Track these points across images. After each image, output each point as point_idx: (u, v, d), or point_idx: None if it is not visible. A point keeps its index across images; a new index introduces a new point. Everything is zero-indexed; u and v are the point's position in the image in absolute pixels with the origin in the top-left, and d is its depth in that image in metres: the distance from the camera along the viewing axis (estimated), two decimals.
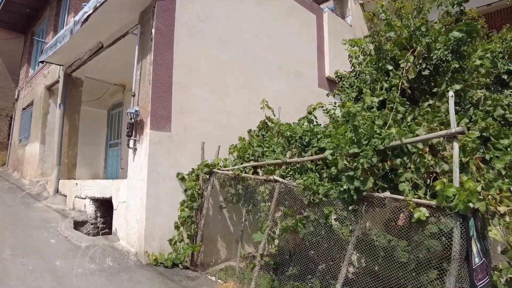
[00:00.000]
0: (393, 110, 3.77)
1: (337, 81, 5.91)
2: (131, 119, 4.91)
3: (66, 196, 7.14)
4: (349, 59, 5.55)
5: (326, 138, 4.21)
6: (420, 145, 3.14)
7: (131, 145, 4.94)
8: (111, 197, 5.48)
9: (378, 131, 3.28)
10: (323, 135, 4.52)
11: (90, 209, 6.18)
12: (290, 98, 7.11)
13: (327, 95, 6.93)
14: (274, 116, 5.84)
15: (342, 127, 3.49)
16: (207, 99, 5.55)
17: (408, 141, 3.07)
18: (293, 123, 5.64)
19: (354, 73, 5.48)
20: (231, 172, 4.75)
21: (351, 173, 3.23)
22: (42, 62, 7.89)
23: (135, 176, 4.85)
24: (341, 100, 5.62)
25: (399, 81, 4.07)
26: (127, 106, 9.68)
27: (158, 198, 4.66)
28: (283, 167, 4.26)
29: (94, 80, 8.93)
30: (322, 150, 4.21)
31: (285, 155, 4.46)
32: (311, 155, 4.58)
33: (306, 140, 4.83)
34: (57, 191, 7.45)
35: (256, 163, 4.63)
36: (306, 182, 3.66)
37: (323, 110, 5.64)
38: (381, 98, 4.12)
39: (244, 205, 4.79)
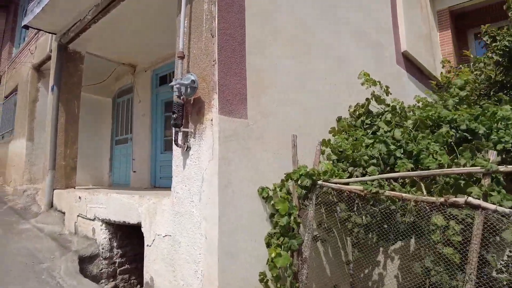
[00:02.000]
0: None
1: (486, 42, 3.94)
2: (179, 96, 2.87)
3: (64, 213, 5.07)
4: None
5: None
6: None
7: (179, 141, 2.90)
8: (139, 224, 3.44)
9: None
10: None
11: (102, 236, 4.14)
12: (373, 76, 5.13)
13: (437, 86, 5.14)
14: (386, 95, 3.87)
15: None
16: (288, 68, 3.53)
17: None
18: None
19: None
20: (357, 188, 2.76)
21: None
22: (26, 27, 5.73)
23: (188, 194, 2.82)
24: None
25: None
26: (139, 92, 7.57)
27: (235, 232, 2.65)
28: (486, 180, 2.26)
29: (97, 58, 6.83)
30: None
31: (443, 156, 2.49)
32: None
33: (481, 132, 2.87)
34: (51, 205, 5.37)
35: (417, 173, 2.63)
36: None
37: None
38: None
39: (382, 243, 2.81)
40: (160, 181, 6.62)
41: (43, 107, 7.30)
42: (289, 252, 2.75)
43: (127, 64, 7.47)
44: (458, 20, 9.47)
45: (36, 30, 7.55)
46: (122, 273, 4.20)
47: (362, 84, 3.99)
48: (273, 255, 2.63)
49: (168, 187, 6.45)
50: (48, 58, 6.78)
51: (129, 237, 4.33)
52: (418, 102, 4.15)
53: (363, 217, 2.81)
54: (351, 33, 4.90)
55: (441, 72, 8.62)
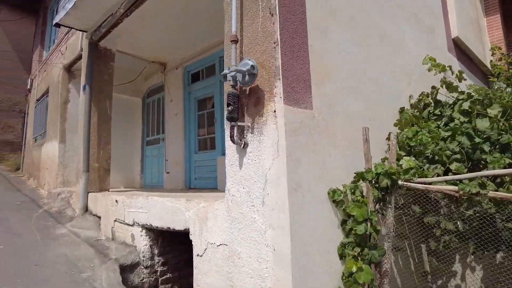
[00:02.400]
0: None
1: None
2: (234, 86, 2.51)
3: (100, 217, 4.84)
4: None
5: None
6: None
7: (235, 137, 2.52)
8: (186, 230, 3.10)
9: None
10: None
11: (142, 243, 3.84)
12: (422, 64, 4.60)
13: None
14: (459, 81, 3.37)
15: None
16: (348, 52, 3.10)
17: None
18: None
19: None
20: (449, 188, 2.30)
21: None
22: (58, 26, 5.56)
23: (247, 197, 2.44)
24: None
25: None
26: (170, 90, 7.31)
27: (308, 243, 2.25)
28: None
29: (126, 56, 6.63)
30: None
31: None
32: None
33: None
34: (86, 209, 5.16)
35: None
36: None
37: None
38: None
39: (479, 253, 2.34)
40: (195, 182, 6.32)
41: (74, 108, 7.17)
42: (374, 266, 2.32)
43: (157, 62, 7.23)
44: (507, 4, 8.70)
45: (66, 31, 7.45)
46: (164, 283, 3.89)
47: (429, 70, 3.51)
48: (353, 269, 2.21)
49: (204, 188, 6.19)
50: (79, 57, 6.62)
51: (170, 243, 4.02)
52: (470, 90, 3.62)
53: (458, 223, 2.34)
54: (406, 18, 4.40)
55: (491, 60, 7.93)
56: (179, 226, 3.20)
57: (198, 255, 2.90)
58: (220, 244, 2.67)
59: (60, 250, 4.02)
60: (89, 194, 5.19)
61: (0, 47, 11.87)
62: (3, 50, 11.90)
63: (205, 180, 6.11)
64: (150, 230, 3.86)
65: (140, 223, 3.85)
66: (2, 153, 11.47)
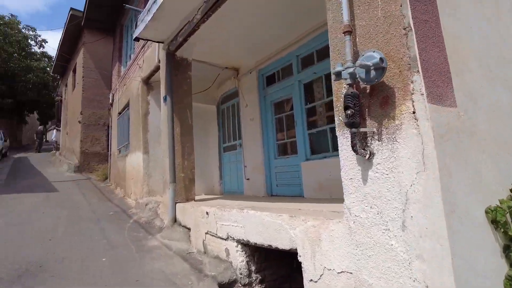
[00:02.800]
0: None
1: None
2: (351, 85, 2.10)
3: (189, 229, 4.78)
4: None
5: None
6: None
7: (358, 147, 2.11)
8: (293, 250, 2.78)
9: None
10: None
11: (238, 259, 3.62)
12: None
13: None
14: None
15: None
16: (483, 32, 2.50)
17: None
18: None
19: None
20: None
21: None
22: (137, 40, 5.70)
23: (378, 219, 2.02)
24: None
25: None
26: (245, 95, 7.14)
27: (469, 279, 1.76)
28: None
29: (200, 65, 6.60)
30: None
31: None
32: None
33: None
34: (174, 220, 5.16)
35: None
36: None
37: None
38: None
39: None
40: (277, 189, 6.03)
41: (154, 120, 7.39)
42: None
43: (230, 67, 7.12)
44: None
45: (142, 45, 7.72)
46: None
47: None
48: None
49: (287, 196, 5.87)
50: (156, 69, 6.78)
51: (266, 258, 3.75)
52: None
53: None
54: None
55: None
56: (283, 245, 2.89)
57: (311, 280, 2.55)
58: (342, 272, 2.27)
59: (156, 265, 3.99)
60: (177, 204, 5.19)
61: (86, 67, 12.97)
62: (88, 70, 13.00)
63: (288, 187, 5.79)
64: (246, 245, 3.62)
65: (235, 238, 3.64)
66: (91, 164, 12.52)
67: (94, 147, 12.82)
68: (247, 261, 3.62)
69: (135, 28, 5.56)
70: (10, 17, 28.38)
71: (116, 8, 10.82)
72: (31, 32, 29.78)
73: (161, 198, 6.08)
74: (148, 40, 5.85)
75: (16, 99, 26.42)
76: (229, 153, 7.56)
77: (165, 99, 5.70)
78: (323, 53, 5.22)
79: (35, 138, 24.26)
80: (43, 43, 30.53)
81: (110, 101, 11.27)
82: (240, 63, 6.89)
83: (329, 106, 5.16)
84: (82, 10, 11.65)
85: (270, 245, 3.07)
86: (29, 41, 29.30)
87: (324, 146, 5.19)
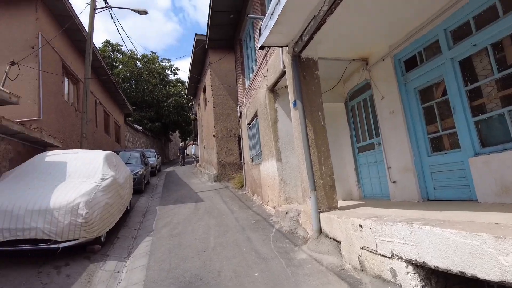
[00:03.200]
0: None
1: None
2: None
3: (338, 242, 4.36)
4: None
5: None
6: None
7: None
8: (506, 284, 2.03)
9: None
10: None
11: (409, 282, 2.99)
12: None
13: None
14: None
15: None
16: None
17: None
18: None
19: None
20: None
21: None
22: (262, 48, 5.64)
23: None
24: None
25: None
26: (379, 86, 6.29)
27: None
28: None
29: (325, 62, 6.14)
30: None
31: None
32: None
33: None
34: (320, 231, 4.82)
35: None
36: None
37: None
38: None
39: None
40: (435, 193, 5.05)
41: (284, 126, 7.30)
42: None
43: (358, 59, 6.46)
44: None
45: (264, 54, 7.77)
46: None
47: None
48: None
49: (452, 200, 4.76)
50: (281, 75, 6.66)
51: (447, 283, 3.01)
52: None
53: None
54: None
55: None
56: (487, 275, 2.17)
57: None
58: None
59: (311, 283, 3.70)
60: (321, 214, 4.84)
61: (214, 85, 14.14)
62: (216, 87, 14.15)
63: (450, 190, 4.77)
64: (420, 267, 2.97)
65: (403, 258, 3.04)
66: (228, 173, 13.49)
67: (228, 157, 13.80)
68: (422, 285, 2.96)
69: (259, 36, 5.53)
70: (151, 53, 34.10)
71: (233, 25, 11.43)
72: (166, 63, 35.19)
73: (301, 206, 5.86)
74: (272, 46, 5.75)
75: (161, 121, 31.55)
76: (365, 153, 6.84)
77: (294, 104, 5.47)
78: (485, 18, 4.10)
79: (179, 154, 28.17)
80: (176, 71, 35.76)
81: (239, 113, 11.90)
82: (369, 51, 6.16)
83: (504, 83, 4.00)
84: (205, 34, 12.72)
85: (463, 272, 2.37)
86: (166, 71, 34.68)
87: (501, 135, 4.04)
